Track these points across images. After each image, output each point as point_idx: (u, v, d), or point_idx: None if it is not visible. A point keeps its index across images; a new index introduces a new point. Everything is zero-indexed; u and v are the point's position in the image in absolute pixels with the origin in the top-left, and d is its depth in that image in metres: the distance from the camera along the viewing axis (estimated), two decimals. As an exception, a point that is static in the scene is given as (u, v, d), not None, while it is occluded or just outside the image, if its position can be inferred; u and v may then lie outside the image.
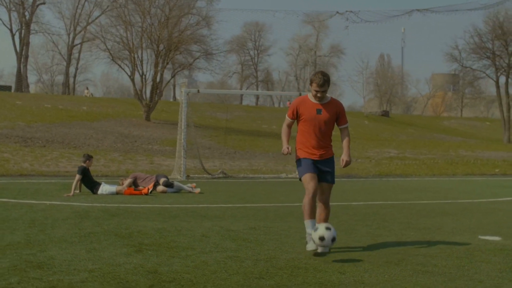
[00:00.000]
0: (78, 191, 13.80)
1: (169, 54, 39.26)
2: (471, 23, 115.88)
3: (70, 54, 73.73)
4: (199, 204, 12.34)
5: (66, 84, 72.85)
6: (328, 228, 7.05)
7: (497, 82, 62.49)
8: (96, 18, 65.83)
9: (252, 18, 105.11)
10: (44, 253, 7.09)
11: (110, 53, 38.61)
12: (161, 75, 40.51)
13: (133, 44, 38.70)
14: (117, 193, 13.86)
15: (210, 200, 13.20)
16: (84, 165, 14.00)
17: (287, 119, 7.72)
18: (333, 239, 7.03)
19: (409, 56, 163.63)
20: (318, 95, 7.40)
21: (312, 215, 7.52)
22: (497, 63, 61.31)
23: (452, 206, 12.71)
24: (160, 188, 14.46)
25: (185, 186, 14.76)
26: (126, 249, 7.42)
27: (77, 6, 73.61)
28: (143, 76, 40.19)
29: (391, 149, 39.61)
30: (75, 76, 78.96)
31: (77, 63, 78.11)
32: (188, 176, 18.90)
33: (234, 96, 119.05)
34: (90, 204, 11.88)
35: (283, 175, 20.30)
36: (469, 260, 7.03)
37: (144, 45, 39.26)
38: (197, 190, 14.66)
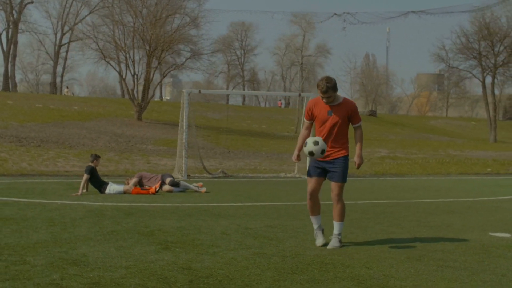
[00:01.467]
0: (85, 191, 13.94)
1: (161, 54, 39.38)
2: (458, 23, 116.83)
3: (57, 53, 73.52)
4: (208, 203, 12.55)
5: (53, 83, 72.63)
6: (316, 143, 7.47)
7: (483, 82, 63.11)
8: (84, 18, 65.87)
9: (239, 18, 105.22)
10: (74, 250, 7.28)
11: (102, 53, 38.66)
12: (153, 75, 40.62)
13: (125, 44, 38.78)
14: (125, 192, 14.03)
15: (218, 199, 13.41)
16: (92, 164, 14.16)
17: (305, 122, 7.99)
18: (323, 151, 7.48)
19: (395, 56, 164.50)
20: (324, 100, 7.65)
21: (315, 212, 7.95)
22: (484, 63, 61.92)
23: (456, 204, 13.03)
24: (167, 187, 14.64)
25: (191, 185, 14.96)
26: (153, 246, 7.62)
27: (65, 5, 73.43)
28: (135, 76, 40.27)
29: (382, 148, 39.97)
30: (62, 76, 78.78)
31: (64, 63, 78.00)
32: (188, 175, 19.07)
33: (220, 96, 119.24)
34: (101, 203, 12.05)
35: (282, 174, 20.54)
36: (486, 255, 7.31)
37: (136, 45, 39.34)
38: (203, 189, 14.85)
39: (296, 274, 6.25)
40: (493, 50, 60.90)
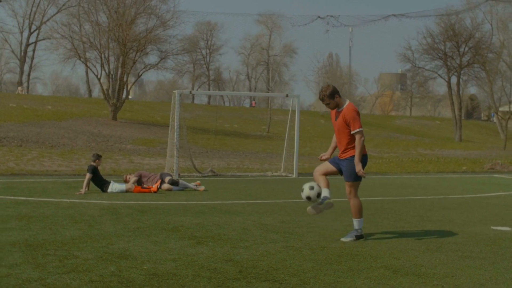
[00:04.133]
0: (87, 189, 14.24)
1: (135, 54, 39.56)
2: (424, 24, 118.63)
3: (25, 52, 72.92)
4: (212, 201, 12.99)
5: (20, 82, 71.99)
6: (311, 188, 8.21)
7: (448, 83, 64.51)
8: (52, 16, 65.55)
9: (207, 18, 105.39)
10: (113, 245, 7.69)
11: (78, 53, 38.69)
12: (128, 74, 40.77)
13: (100, 44, 38.86)
14: (127, 191, 14.38)
15: (219, 197, 13.84)
16: (94, 164, 14.47)
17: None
18: (318, 195, 8.18)
19: (358, 56, 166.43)
20: (326, 107, 8.25)
21: (322, 184, 8.43)
22: (449, 63, 63.30)
23: (447, 201, 13.72)
24: (166, 186, 15.02)
25: (190, 184, 15.36)
26: (185, 241, 8.08)
27: (32, 4, 72.86)
28: (110, 76, 40.38)
29: (354, 147, 40.73)
30: (29, 75, 78.14)
31: (31, 62, 77.41)
32: (179, 175, 19.45)
33: (186, 96, 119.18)
34: (110, 202, 12.39)
35: (269, 173, 21.03)
36: (497, 247, 7.95)
37: (111, 45, 39.44)
38: (202, 187, 15.26)
39: (333, 265, 6.77)
40: (458, 50, 62.30)
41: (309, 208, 8.24)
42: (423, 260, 7.01)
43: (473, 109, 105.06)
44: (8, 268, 6.36)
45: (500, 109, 73.12)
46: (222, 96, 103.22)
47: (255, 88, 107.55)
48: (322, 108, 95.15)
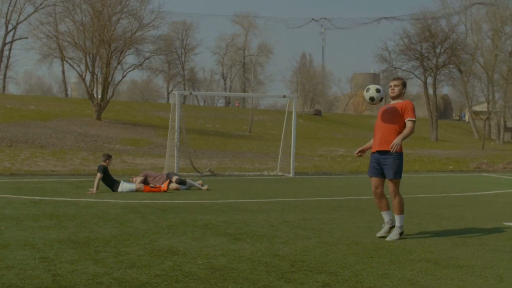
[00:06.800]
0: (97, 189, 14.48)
1: (120, 54, 39.70)
2: (401, 25, 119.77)
3: (1, 52, 72.31)
4: (226, 199, 13.35)
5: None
6: (378, 90, 8.47)
7: (425, 83, 65.54)
8: (29, 16, 65.09)
9: (181, 17, 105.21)
10: (157, 242, 8.02)
11: (62, 52, 38.68)
12: (113, 74, 40.87)
13: (85, 44, 38.91)
14: (137, 190, 14.67)
15: (230, 196, 14.20)
16: (104, 164, 14.74)
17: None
18: (381, 99, 8.56)
19: (331, 56, 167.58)
20: (390, 90, 8.64)
21: (382, 208, 8.76)
22: (425, 64, 64.32)
23: (451, 199, 14.26)
24: (174, 185, 15.35)
25: (195, 183, 15.70)
26: (222, 238, 8.43)
27: (9, 3, 72.24)
28: (94, 76, 40.45)
29: (338, 147, 41.38)
30: (5, 74, 77.53)
31: (7, 61, 76.75)
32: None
33: (159, 95, 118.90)
34: (126, 201, 12.68)
35: (265, 172, 21.42)
36: (517, 241, 8.42)
37: (95, 45, 39.50)
38: (205, 187, 15.62)
39: (374, 258, 7.19)
40: (434, 51, 63.37)
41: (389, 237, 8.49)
42: (456, 254, 7.46)
43: (445, 109, 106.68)
44: (70, 264, 6.67)
45: (473, 108, 74.32)
46: (196, 96, 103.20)
47: (230, 88, 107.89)
48: (299, 108, 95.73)
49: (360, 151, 8.99)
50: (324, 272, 6.45)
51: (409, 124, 8.39)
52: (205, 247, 7.76)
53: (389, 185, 8.60)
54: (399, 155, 8.46)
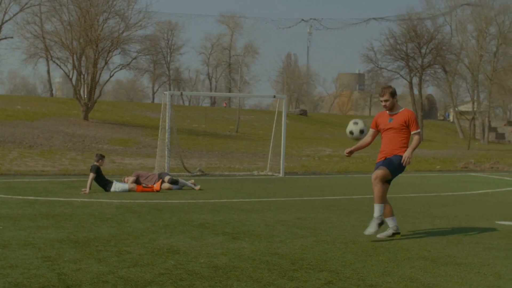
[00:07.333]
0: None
1: (107, 54, 39.65)
2: (387, 25, 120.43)
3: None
4: (219, 199, 13.43)
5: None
6: (355, 123, 8.87)
7: (410, 83, 65.85)
8: (14, 15, 64.63)
9: (168, 18, 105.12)
10: (156, 242, 8.09)
11: (49, 52, 38.57)
12: (99, 74, 40.80)
13: (72, 44, 38.80)
14: (129, 190, 14.72)
15: (223, 196, 14.28)
16: (97, 164, 14.76)
17: None
18: (361, 131, 8.83)
19: (319, 56, 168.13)
20: (383, 104, 8.75)
21: (386, 215, 8.74)
22: (411, 64, 64.64)
23: (442, 198, 14.45)
24: (166, 185, 15.40)
25: (187, 182, 15.77)
26: (221, 237, 8.52)
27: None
28: (82, 76, 40.36)
29: (324, 147, 41.56)
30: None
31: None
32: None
33: (144, 95, 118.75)
34: (120, 201, 12.72)
35: (255, 172, 21.52)
36: (510, 239, 8.65)
37: (82, 45, 39.42)
38: (198, 187, 15.68)
39: (373, 256, 7.31)
40: (420, 51, 63.69)
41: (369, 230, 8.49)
42: (452, 252, 7.60)
43: (430, 109, 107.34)
44: (73, 263, 6.72)
45: (457, 108, 74.83)
46: (181, 95, 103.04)
47: (216, 88, 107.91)
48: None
49: (350, 152, 9.05)
50: (325, 270, 6.55)
51: (416, 137, 8.58)
52: (205, 246, 7.84)
53: (376, 171, 8.60)
54: (401, 157, 8.57)
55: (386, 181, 8.61)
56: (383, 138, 8.77)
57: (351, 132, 8.87)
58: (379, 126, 8.79)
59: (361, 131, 8.79)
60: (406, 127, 8.57)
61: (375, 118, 8.89)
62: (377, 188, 8.53)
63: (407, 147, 8.56)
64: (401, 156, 8.50)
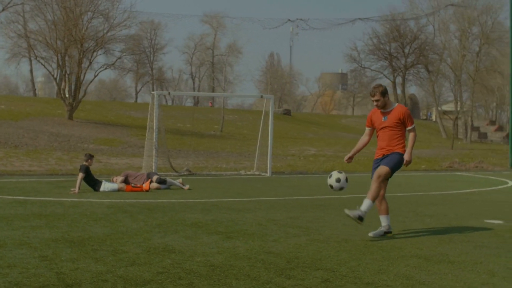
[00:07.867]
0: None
1: (92, 53, 39.54)
2: (370, 25, 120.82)
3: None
4: (209, 199, 13.49)
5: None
6: (338, 180, 8.92)
7: (393, 83, 66.31)
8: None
9: (152, 17, 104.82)
10: (151, 241, 8.13)
11: (34, 52, 38.39)
12: (84, 74, 40.68)
13: (56, 43, 38.64)
14: (119, 190, 14.73)
15: (212, 195, 14.34)
16: (86, 164, 14.75)
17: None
18: (341, 189, 8.98)
19: (303, 56, 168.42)
20: (374, 103, 8.85)
21: (381, 212, 8.87)
22: (394, 64, 65.08)
23: (430, 197, 14.61)
24: (154, 185, 15.43)
25: (175, 182, 15.81)
26: (215, 236, 8.58)
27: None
28: (66, 75, 40.20)
29: (309, 147, 41.70)
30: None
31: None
32: (156, 174, 19.79)
33: (127, 95, 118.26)
34: (110, 201, 12.74)
35: (242, 171, 21.58)
36: (500, 238, 8.76)
37: (66, 44, 39.27)
38: (187, 186, 15.72)
39: (367, 254, 7.41)
40: (403, 51, 64.16)
41: (348, 211, 8.57)
42: (444, 250, 7.72)
43: (412, 109, 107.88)
44: (71, 262, 6.75)
45: (439, 108, 75.27)
46: (164, 95, 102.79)
47: (199, 88, 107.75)
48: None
49: (350, 158, 9.16)
50: (321, 268, 6.64)
51: (412, 133, 8.71)
52: (199, 245, 7.89)
53: (378, 170, 8.67)
54: (400, 154, 8.66)
55: (386, 179, 8.73)
56: (379, 136, 8.88)
57: (331, 186, 8.98)
58: (374, 124, 8.90)
59: (337, 180, 8.91)
60: (401, 124, 8.69)
61: (370, 116, 8.99)
62: (376, 186, 8.64)
63: (404, 142, 8.72)
64: (400, 154, 8.63)
